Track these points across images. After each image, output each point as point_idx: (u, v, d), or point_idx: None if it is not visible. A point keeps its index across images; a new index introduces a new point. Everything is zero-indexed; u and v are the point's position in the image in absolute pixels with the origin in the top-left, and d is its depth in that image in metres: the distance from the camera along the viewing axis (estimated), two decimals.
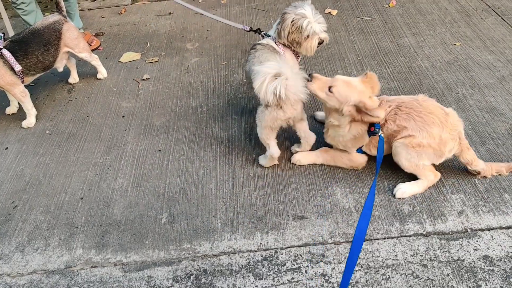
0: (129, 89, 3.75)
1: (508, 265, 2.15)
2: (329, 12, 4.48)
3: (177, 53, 4.16)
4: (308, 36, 2.79)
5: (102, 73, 3.91)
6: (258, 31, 3.11)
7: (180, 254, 2.40)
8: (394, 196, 2.53)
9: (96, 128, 3.35)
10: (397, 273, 2.17)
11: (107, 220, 2.64)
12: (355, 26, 4.22)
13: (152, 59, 4.09)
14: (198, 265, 2.34)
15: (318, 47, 2.86)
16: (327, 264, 2.26)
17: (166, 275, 2.31)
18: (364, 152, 2.68)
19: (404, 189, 2.52)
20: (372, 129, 2.52)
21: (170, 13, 4.90)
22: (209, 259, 2.36)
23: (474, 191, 2.52)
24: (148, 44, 4.35)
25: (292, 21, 2.77)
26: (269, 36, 2.97)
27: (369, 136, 2.56)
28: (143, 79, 3.84)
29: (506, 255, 2.19)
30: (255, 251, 2.37)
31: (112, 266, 2.38)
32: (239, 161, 2.92)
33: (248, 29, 3.20)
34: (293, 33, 2.81)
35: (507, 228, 2.32)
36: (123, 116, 3.45)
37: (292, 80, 2.34)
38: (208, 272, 2.30)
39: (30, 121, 3.43)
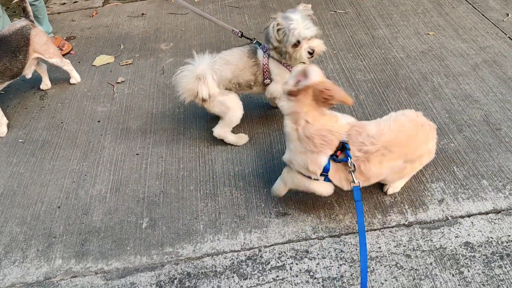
0: (104, 93, 3.67)
1: (488, 250, 2.17)
2: (304, 7, 4.45)
3: (151, 54, 4.10)
4: (296, 45, 2.53)
5: (75, 77, 3.82)
6: (252, 40, 2.84)
7: (163, 259, 2.36)
8: (385, 193, 2.50)
9: (71, 135, 3.27)
10: (381, 265, 2.18)
11: (86, 228, 2.58)
12: (330, 20, 4.22)
13: (126, 62, 4.02)
14: (181, 269, 2.30)
15: (310, 57, 2.56)
16: (311, 260, 2.25)
17: (149, 280, 2.26)
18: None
19: (395, 185, 2.49)
20: (339, 153, 2.14)
21: (143, 14, 4.82)
22: (192, 261, 2.33)
23: (453, 178, 2.54)
24: (122, 46, 4.27)
25: (276, 27, 2.53)
26: (260, 45, 2.78)
27: (335, 162, 2.17)
28: (118, 82, 3.76)
29: (486, 241, 2.22)
30: (239, 251, 2.35)
31: (94, 275, 2.33)
32: (219, 161, 2.89)
33: (240, 34, 2.95)
34: (279, 42, 2.56)
35: (486, 213, 2.34)
36: (98, 121, 3.37)
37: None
38: (192, 275, 2.26)
39: (1, 130, 3.33)
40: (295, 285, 2.15)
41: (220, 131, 2.89)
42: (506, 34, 3.65)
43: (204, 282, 2.22)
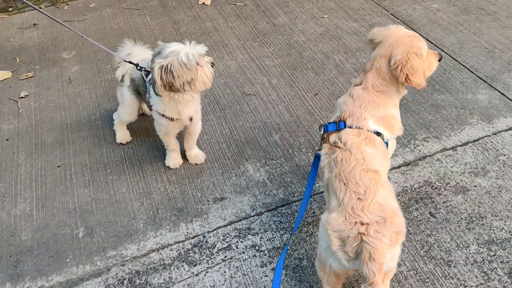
0: (7, 110, 3.44)
1: (405, 197, 2.46)
2: (203, 3, 4.56)
3: (53, 64, 3.91)
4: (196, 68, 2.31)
5: None
6: (136, 65, 2.60)
7: (108, 263, 2.32)
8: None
9: None
10: (317, 228, 2.36)
11: (16, 249, 2.44)
12: (231, 13, 4.37)
13: (26, 75, 3.79)
14: (129, 269, 2.29)
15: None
16: (254, 235, 2.37)
17: (97, 286, 2.22)
18: None
19: None
20: None
21: (35, 24, 4.55)
22: (139, 259, 2.32)
23: None
24: (18, 60, 4.01)
25: (164, 68, 2.26)
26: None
27: None
28: (22, 97, 3.55)
29: (403, 190, 2.51)
30: (184, 240, 2.39)
31: None
32: (147, 160, 2.88)
33: (124, 59, 2.71)
34: (177, 78, 2.27)
35: (399, 167, 2.64)
36: (7, 139, 3.16)
37: None
38: (141, 272, 2.26)
39: None
40: (244, 261, 2.26)
41: (115, 116, 3.00)
42: (389, 11, 4.07)
43: (155, 276, 2.24)
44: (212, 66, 2.41)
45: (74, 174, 2.84)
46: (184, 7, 4.53)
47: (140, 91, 2.71)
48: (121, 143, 3.01)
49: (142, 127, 3.13)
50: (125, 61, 2.70)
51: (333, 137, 1.96)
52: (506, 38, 3.54)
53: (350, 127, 1.94)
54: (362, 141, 1.90)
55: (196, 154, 2.80)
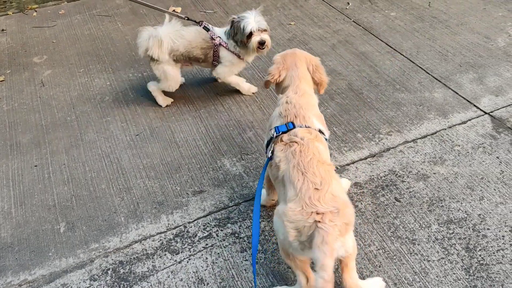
0: None
1: (372, 185, 2.66)
2: (174, 10, 4.68)
3: (24, 68, 3.92)
4: (249, 36, 2.95)
5: None
6: (198, 23, 3.23)
7: (91, 255, 2.38)
8: None
9: None
10: None
11: None
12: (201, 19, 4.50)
13: None
14: (112, 260, 2.35)
15: (262, 48, 3.03)
16: (233, 224, 2.49)
17: (81, 277, 2.27)
18: None
19: None
20: None
21: (3, 30, 4.53)
22: (122, 251, 2.39)
23: (335, 137, 3.01)
24: None
25: (234, 22, 3.00)
26: (208, 29, 3.16)
27: None
28: None
29: (370, 179, 2.71)
30: (165, 231, 2.48)
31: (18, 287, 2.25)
32: (125, 157, 2.96)
33: (186, 18, 3.32)
34: (236, 34, 3.01)
35: (365, 158, 2.84)
36: None
37: None
38: (125, 262, 2.33)
39: None
40: (224, 247, 2.37)
41: (154, 88, 3.32)
42: (351, 19, 4.34)
43: (138, 265, 2.31)
44: (261, 44, 3.00)
45: (52, 173, 2.88)
46: (155, 14, 4.63)
47: (183, 58, 3.16)
48: (167, 106, 3.35)
49: (119, 126, 3.21)
50: (187, 18, 3.28)
51: (286, 136, 2.10)
52: (457, 43, 3.86)
53: (300, 127, 2.11)
54: (314, 138, 2.08)
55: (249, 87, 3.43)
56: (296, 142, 2.04)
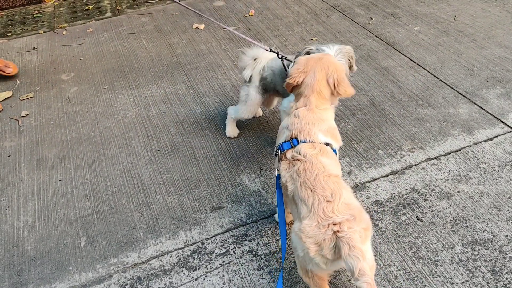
0: (8, 128, 3.54)
1: (393, 203, 2.60)
2: (197, 27, 4.77)
3: (53, 85, 4.04)
4: None
5: None
6: (277, 53, 2.86)
7: (109, 270, 2.40)
8: None
9: None
10: None
11: (20, 259, 2.51)
12: (224, 36, 4.57)
13: (27, 95, 3.91)
14: (130, 275, 2.37)
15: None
16: (251, 241, 2.48)
17: None
18: None
19: None
20: None
21: (34, 48, 4.71)
22: (140, 266, 2.41)
23: (356, 153, 2.97)
24: (18, 82, 4.14)
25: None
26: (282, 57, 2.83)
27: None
28: (22, 116, 3.66)
29: (391, 196, 2.65)
30: (183, 247, 2.49)
31: None
32: (145, 173, 3.00)
33: (266, 48, 2.96)
34: None
35: (387, 176, 2.79)
36: (9, 156, 3.26)
37: None
38: (142, 278, 2.35)
39: None
40: (241, 265, 2.36)
41: (231, 112, 3.18)
42: (373, 34, 4.30)
43: (156, 281, 2.32)
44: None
45: (75, 188, 2.94)
46: (179, 31, 4.73)
47: (269, 89, 2.92)
48: (229, 137, 3.23)
49: (141, 142, 3.26)
50: (270, 50, 2.90)
51: (290, 153, 2.07)
52: (483, 57, 3.77)
53: (304, 142, 2.08)
54: (318, 152, 2.04)
55: None
56: (299, 160, 2.02)
